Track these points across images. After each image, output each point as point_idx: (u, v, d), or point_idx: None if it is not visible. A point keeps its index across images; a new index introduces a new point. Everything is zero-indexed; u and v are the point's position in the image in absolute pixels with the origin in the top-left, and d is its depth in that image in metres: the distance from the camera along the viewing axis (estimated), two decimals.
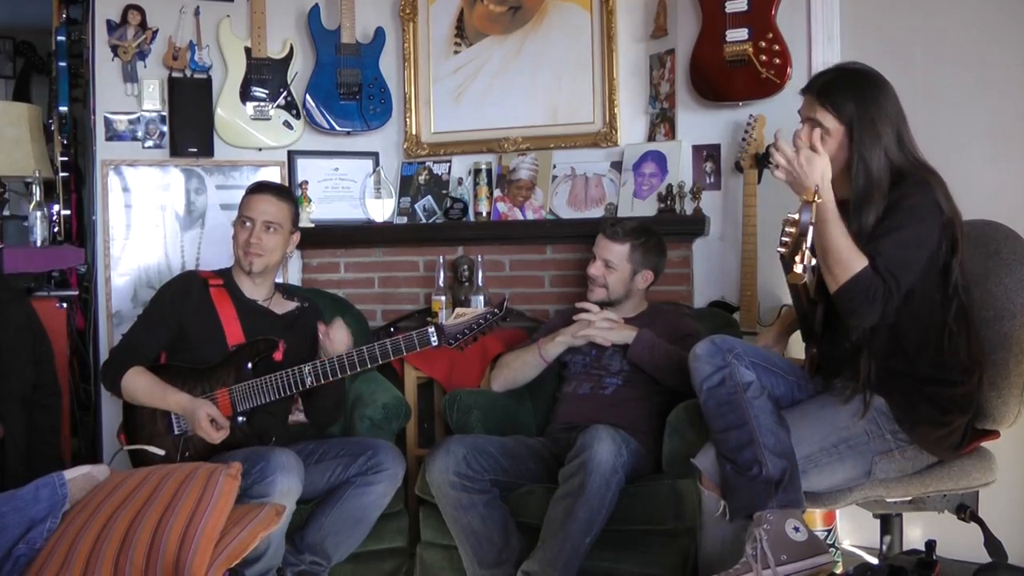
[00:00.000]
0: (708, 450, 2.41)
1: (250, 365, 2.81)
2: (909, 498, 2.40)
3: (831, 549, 2.93)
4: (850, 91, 2.28)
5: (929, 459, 2.36)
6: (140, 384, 2.81)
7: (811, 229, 2.12)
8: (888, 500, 2.41)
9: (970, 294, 2.31)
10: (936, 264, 2.26)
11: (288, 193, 3.10)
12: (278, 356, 2.80)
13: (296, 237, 3.07)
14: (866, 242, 2.21)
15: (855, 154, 2.26)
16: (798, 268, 2.15)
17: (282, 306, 3.06)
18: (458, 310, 2.84)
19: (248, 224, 2.94)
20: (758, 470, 2.25)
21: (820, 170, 2.21)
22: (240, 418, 2.78)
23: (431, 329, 2.76)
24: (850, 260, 2.17)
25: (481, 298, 3.60)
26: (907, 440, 2.31)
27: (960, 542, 2.50)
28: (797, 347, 2.71)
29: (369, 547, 2.90)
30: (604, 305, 3.07)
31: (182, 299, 2.93)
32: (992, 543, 2.36)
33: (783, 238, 2.18)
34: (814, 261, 2.18)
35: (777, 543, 2.20)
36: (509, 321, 3.03)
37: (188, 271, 3.14)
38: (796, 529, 2.21)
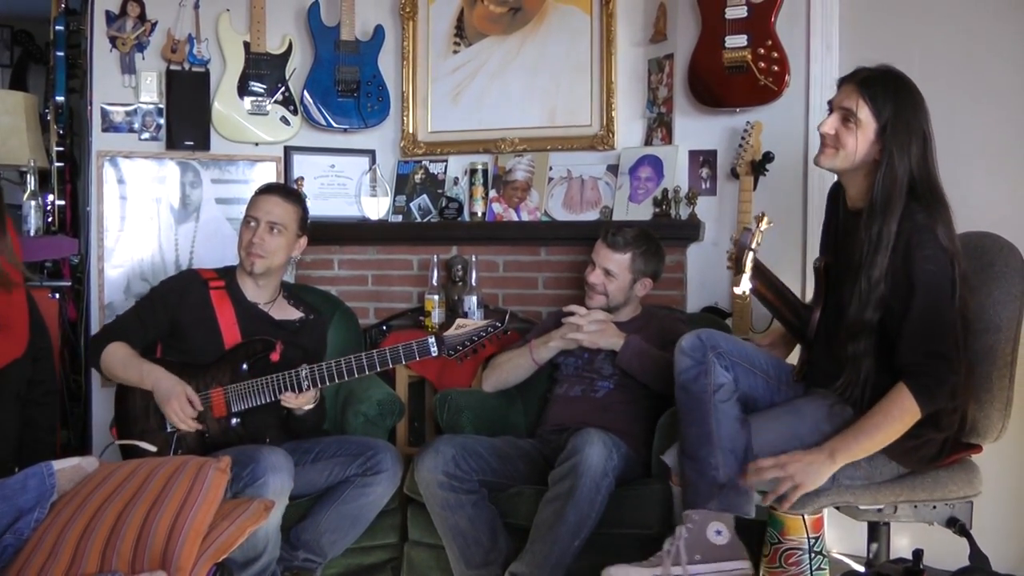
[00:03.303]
0: (676, 447, 2.44)
1: (246, 366, 2.80)
2: (881, 505, 2.39)
3: (818, 556, 2.94)
4: (892, 92, 2.25)
5: (899, 469, 2.35)
6: (119, 355, 2.80)
7: (749, 254, 2.19)
8: (861, 507, 2.40)
9: (968, 321, 2.29)
10: None
11: (296, 195, 3.05)
12: (275, 357, 2.79)
13: (303, 242, 3.02)
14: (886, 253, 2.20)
15: (885, 153, 2.24)
16: (737, 290, 2.28)
17: (284, 312, 3.03)
18: (459, 321, 2.83)
19: (253, 224, 2.92)
20: (709, 470, 2.29)
21: (810, 468, 2.21)
22: (234, 419, 2.77)
23: (431, 339, 2.75)
24: (904, 418, 2.18)
25: (474, 298, 3.60)
26: None
27: (947, 552, 2.51)
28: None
29: (362, 543, 2.91)
30: (601, 311, 3.07)
31: (178, 299, 2.91)
32: (978, 556, 2.36)
33: (728, 256, 2.23)
34: (750, 285, 2.26)
35: (695, 543, 2.25)
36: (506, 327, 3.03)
37: (189, 270, 3.09)
38: (719, 532, 2.26)
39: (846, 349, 2.28)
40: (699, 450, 2.32)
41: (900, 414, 2.18)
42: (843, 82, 2.33)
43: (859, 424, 2.22)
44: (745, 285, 2.27)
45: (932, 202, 2.24)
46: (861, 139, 2.26)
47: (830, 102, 2.35)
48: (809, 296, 2.66)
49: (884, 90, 2.26)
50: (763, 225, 2.27)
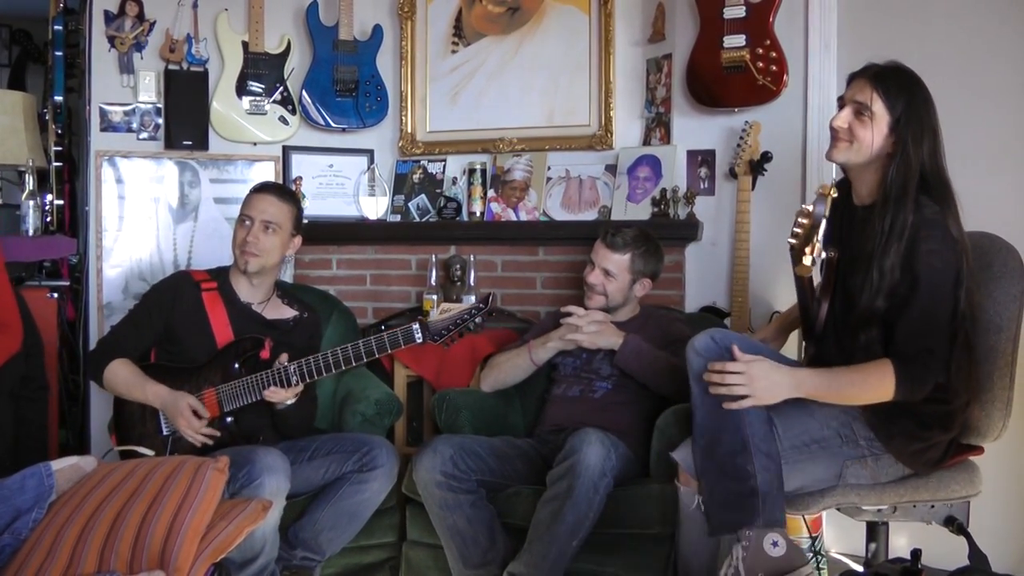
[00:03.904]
0: (687, 445, 2.38)
1: (237, 364, 2.79)
2: (884, 506, 2.39)
3: (815, 556, 2.94)
4: (904, 87, 2.28)
5: (904, 470, 2.34)
6: (121, 375, 2.81)
7: (824, 222, 2.12)
8: (864, 507, 2.40)
9: (976, 319, 2.29)
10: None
11: (291, 195, 3.04)
12: (265, 354, 2.78)
13: (298, 241, 3.01)
14: (895, 247, 2.20)
15: (899, 145, 2.25)
16: (807, 260, 2.17)
17: (278, 311, 3.02)
18: (443, 306, 2.82)
19: (247, 223, 2.90)
20: (748, 479, 2.21)
21: (772, 387, 2.23)
22: (228, 418, 2.77)
23: (416, 325, 2.73)
24: (877, 392, 2.20)
25: (472, 298, 3.60)
26: (882, 449, 2.30)
27: (946, 551, 2.51)
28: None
29: (360, 542, 2.91)
30: (600, 311, 3.07)
31: (171, 302, 2.90)
32: (977, 555, 2.36)
33: (795, 228, 2.19)
34: (824, 254, 2.19)
35: (754, 561, 2.17)
36: (500, 322, 3.02)
37: (181, 272, 3.09)
38: (775, 544, 2.18)
39: (858, 338, 2.27)
40: (735, 458, 2.23)
41: (876, 386, 2.19)
42: (854, 77, 2.34)
43: (836, 374, 2.23)
44: (819, 254, 2.20)
45: (942, 196, 2.25)
46: (876, 132, 2.27)
47: (840, 97, 2.36)
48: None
49: (897, 84, 2.27)
50: (834, 194, 2.23)
